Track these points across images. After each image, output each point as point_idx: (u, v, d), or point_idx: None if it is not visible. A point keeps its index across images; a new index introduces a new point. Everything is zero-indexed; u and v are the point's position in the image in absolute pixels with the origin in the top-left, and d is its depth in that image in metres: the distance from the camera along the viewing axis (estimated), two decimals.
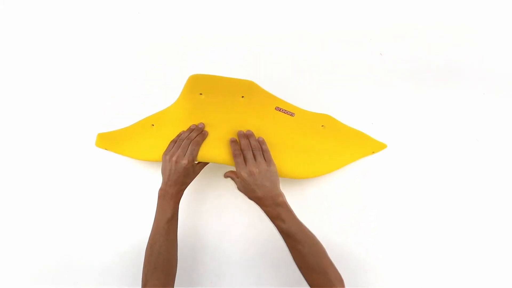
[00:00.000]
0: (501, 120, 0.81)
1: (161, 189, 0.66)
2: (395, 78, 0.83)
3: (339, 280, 0.60)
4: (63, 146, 0.84)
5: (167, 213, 0.65)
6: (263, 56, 0.85)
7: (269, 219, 0.64)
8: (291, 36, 0.85)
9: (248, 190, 0.63)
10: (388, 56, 0.84)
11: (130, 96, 0.85)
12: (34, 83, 0.87)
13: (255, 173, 0.62)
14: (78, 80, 0.87)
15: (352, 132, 0.75)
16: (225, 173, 0.68)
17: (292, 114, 0.71)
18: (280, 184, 0.78)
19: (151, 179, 0.79)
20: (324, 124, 0.73)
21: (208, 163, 0.71)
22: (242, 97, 0.67)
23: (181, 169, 0.64)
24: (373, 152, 0.76)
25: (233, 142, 0.67)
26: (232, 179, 0.67)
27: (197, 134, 0.67)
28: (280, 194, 0.64)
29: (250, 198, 0.64)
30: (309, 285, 0.60)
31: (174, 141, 0.67)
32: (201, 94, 0.67)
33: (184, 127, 0.69)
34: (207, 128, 0.69)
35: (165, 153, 0.66)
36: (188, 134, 0.67)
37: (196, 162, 0.68)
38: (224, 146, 0.69)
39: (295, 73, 0.84)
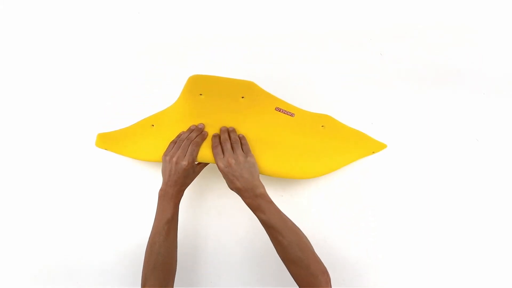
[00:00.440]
0: (501, 120, 0.81)
1: (161, 190, 0.66)
2: (395, 78, 0.83)
3: (322, 272, 0.59)
4: (63, 146, 0.84)
5: (167, 213, 0.65)
6: (263, 56, 0.85)
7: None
8: (291, 36, 0.85)
9: (228, 180, 0.64)
10: (388, 56, 0.84)
11: (130, 96, 0.85)
12: (34, 83, 0.87)
13: (232, 164, 0.63)
14: (78, 80, 0.87)
15: (352, 132, 0.75)
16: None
17: (292, 115, 0.71)
18: (281, 185, 0.79)
19: (151, 180, 0.79)
20: (324, 124, 0.73)
21: (208, 163, 0.72)
22: (242, 97, 0.67)
23: (181, 170, 0.64)
24: (373, 152, 0.76)
25: (214, 136, 0.68)
26: None
27: (197, 134, 0.67)
28: (260, 186, 0.64)
29: (231, 189, 0.65)
30: (293, 278, 0.60)
31: (174, 142, 0.67)
32: (201, 94, 0.67)
33: (184, 127, 0.69)
34: (207, 129, 0.69)
35: (165, 154, 0.66)
36: (188, 135, 0.67)
37: (196, 163, 0.69)
38: None
39: (295, 73, 0.84)
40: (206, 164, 0.71)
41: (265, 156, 0.70)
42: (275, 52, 0.85)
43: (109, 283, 0.79)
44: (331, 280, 0.59)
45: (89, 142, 0.78)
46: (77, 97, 0.86)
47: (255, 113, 0.70)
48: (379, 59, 0.84)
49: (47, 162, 0.84)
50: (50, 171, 0.84)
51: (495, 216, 0.77)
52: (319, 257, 0.61)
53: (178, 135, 0.68)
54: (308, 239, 0.63)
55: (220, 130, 0.69)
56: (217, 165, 0.65)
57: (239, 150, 0.65)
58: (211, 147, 0.68)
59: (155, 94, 0.84)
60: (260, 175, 0.67)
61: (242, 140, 0.68)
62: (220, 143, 0.67)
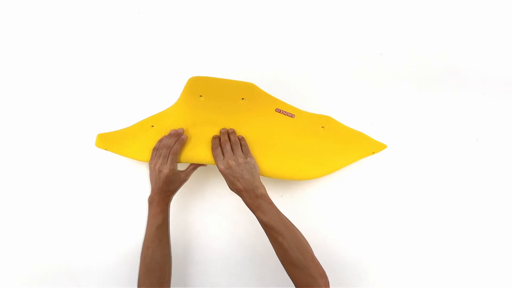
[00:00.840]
0: (501, 120, 0.81)
1: (149, 197, 0.68)
2: (395, 78, 0.83)
3: (320, 275, 0.59)
4: (63, 146, 0.84)
5: (157, 219, 0.67)
6: (263, 57, 0.84)
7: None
8: (291, 37, 0.85)
9: (228, 182, 0.65)
10: (388, 56, 0.84)
11: (130, 96, 0.85)
12: (34, 84, 0.87)
13: (232, 165, 0.63)
14: (78, 80, 0.86)
15: (352, 132, 0.75)
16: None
17: (292, 116, 0.71)
18: (281, 185, 0.79)
19: None
20: (324, 125, 0.73)
21: (199, 165, 0.72)
22: (242, 99, 0.67)
23: (164, 177, 0.65)
24: (373, 152, 0.76)
25: (214, 138, 0.68)
26: None
27: (176, 140, 0.68)
28: (260, 186, 0.65)
29: (232, 190, 0.65)
30: (292, 280, 0.60)
31: (156, 149, 0.68)
32: (201, 96, 0.67)
33: (184, 128, 0.69)
34: (207, 130, 0.70)
35: (150, 161, 0.68)
36: (168, 140, 0.67)
37: (189, 167, 0.70)
38: None
39: (295, 74, 0.84)
40: (196, 167, 0.71)
41: (265, 157, 0.70)
42: (275, 53, 0.84)
43: (109, 283, 0.80)
44: (331, 281, 0.60)
45: (89, 142, 0.78)
46: (77, 97, 0.86)
47: (255, 115, 0.70)
48: (379, 59, 0.84)
49: (47, 162, 0.84)
50: (50, 171, 0.84)
51: (495, 216, 0.77)
52: (318, 261, 0.61)
53: (159, 139, 0.69)
54: (308, 240, 0.63)
55: (220, 132, 0.69)
56: (218, 166, 0.65)
57: (239, 152, 0.65)
58: (211, 148, 0.68)
59: (155, 94, 0.84)
60: (260, 176, 0.67)
61: (241, 142, 0.68)
62: (220, 145, 0.67)
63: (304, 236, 0.64)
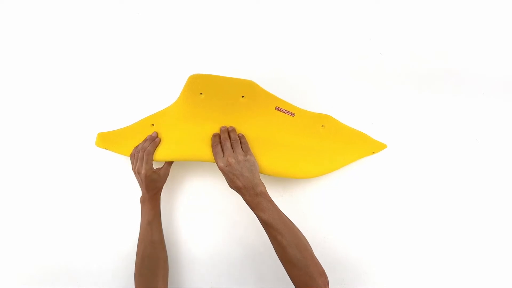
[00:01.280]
0: (501, 120, 0.81)
1: (141, 197, 0.73)
2: (395, 78, 0.83)
3: (320, 274, 0.59)
4: (63, 146, 0.84)
5: (148, 216, 0.71)
6: (263, 56, 0.85)
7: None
8: (292, 37, 0.85)
9: (228, 179, 0.65)
10: (388, 56, 0.84)
11: (130, 96, 0.85)
12: (34, 83, 0.87)
13: (232, 163, 0.64)
14: (78, 80, 0.87)
15: (352, 132, 0.75)
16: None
17: (292, 114, 0.71)
18: (281, 184, 0.78)
19: None
20: (324, 124, 0.73)
21: (172, 162, 0.74)
22: (242, 97, 0.67)
23: (144, 178, 0.69)
24: (373, 152, 0.76)
25: (214, 136, 0.69)
26: None
27: (150, 143, 0.70)
28: (260, 184, 0.65)
29: (232, 188, 0.66)
30: (291, 279, 0.60)
31: (132, 155, 0.72)
32: (201, 94, 0.67)
33: (184, 127, 0.70)
34: (207, 127, 0.70)
35: (131, 166, 0.72)
36: (143, 145, 0.71)
37: (159, 167, 0.72)
38: None
39: (295, 73, 0.84)
40: (170, 164, 0.74)
41: (265, 155, 0.70)
42: (275, 52, 0.85)
43: (109, 283, 0.79)
44: (331, 281, 0.59)
45: (89, 142, 0.78)
46: (77, 97, 0.86)
47: (255, 113, 0.70)
48: (379, 59, 0.84)
49: (47, 162, 0.84)
50: (51, 171, 0.84)
51: (495, 216, 0.77)
52: (317, 259, 0.61)
53: (135, 147, 0.72)
54: (308, 240, 0.63)
55: (220, 129, 0.70)
56: (217, 164, 0.65)
57: (238, 149, 0.66)
58: (211, 146, 0.68)
59: (155, 93, 0.84)
60: (260, 174, 0.67)
61: (241, 139, 0.69)
62: (220, 143, 0.67)
63: (305, 235, 0.64)
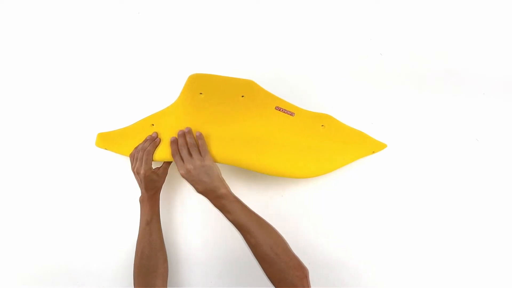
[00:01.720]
0: (501, 120, 0.81)
1: (140, 197, 0.73)
2: (395, 78, 0.83)
3: (294, 267, 0.58)
4: (63, 146, 0.84)
5: (146, 215, 0.71)
6: (263, 56, 0.85)
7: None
8: (292, 37, 0.85)
9: (192, 186, 0.66)
10: (388, 56, 0.84)
11: (130, 95, 0.85)
12: (35, 83, 0.87)
13: (191, 169, 0.64)
14: (78, 80, 0.87)
15: (352, 132, 0.75)
16: None
17: (292, 114, 0.71)
18: (281, 184, 0.78)
19: None
20: (324, 124, 0.73)
21: (171, 162, 0.73)
22: (242, 96, 0.67)
23: (143, 178, 0.69)
24: (373, 152, 0.76)
25: (172, 142, 0.68)
26: None
27: (150, 143, 0.70)
28: (221, 186, 0.65)
29: (198, 193, 0.66)
30: (267, 277, 0.60)
31: (132, 155, 0.72)
32: (201, 93, 0.67)
33: (184, 126, 0.70)
34: (207, 127, 0.70)
35: (131, 166, 0.72)
36: (143, 145, 0.70)
37: (158, 167, 0.73)
38: (224, 145, 0.69)
39: (295, 73, 0.84)
40: (169, 164, 0.74)
41: (265, 155, 0.70)
42: (275, 52, 0.85)
43: (109, 283, 0.79)
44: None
45: (89, 142, 0.78)
46: (77, 97, 0.86)
47: (255, 112, 0.70)
48: (379, 59, 0.84)
49: (48, 162, 0.84)
50: (51, 171, 0.84)
51: (495, 216, 0.77)
52: (293, 254, 0.60)
53: (135, 147, 0.71)
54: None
55: (178, 134, 0.69)
56: (180, 173, 0.66)
57: (196, 155, 0.65)
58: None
59: (155, 93, 0.84)
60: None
61: (199, 141, 0.68)
62: (178, 149, 0.67)
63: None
